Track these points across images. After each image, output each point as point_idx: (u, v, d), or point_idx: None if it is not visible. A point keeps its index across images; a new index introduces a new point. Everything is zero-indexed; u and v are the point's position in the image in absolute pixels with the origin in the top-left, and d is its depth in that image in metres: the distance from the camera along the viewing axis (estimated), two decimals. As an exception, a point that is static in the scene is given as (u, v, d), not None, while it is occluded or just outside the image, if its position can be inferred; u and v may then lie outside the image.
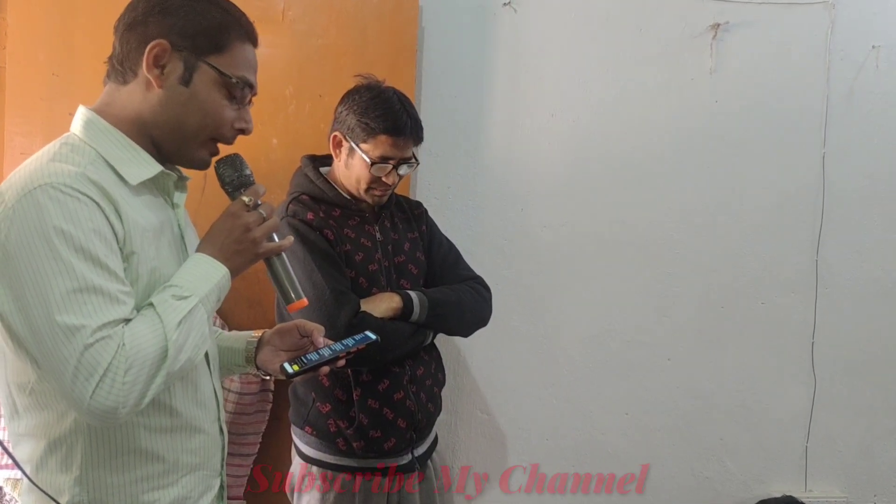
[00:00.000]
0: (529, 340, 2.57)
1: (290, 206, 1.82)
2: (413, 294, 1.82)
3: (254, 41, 1.23)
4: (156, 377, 1.03)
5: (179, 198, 1.28)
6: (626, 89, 2.57)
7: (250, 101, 1.24)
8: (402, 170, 1.83)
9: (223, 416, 1.34)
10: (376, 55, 2.19)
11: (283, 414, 2.15)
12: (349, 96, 1.84)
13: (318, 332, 1.38)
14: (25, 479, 1.14)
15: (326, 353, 1.34)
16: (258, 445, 2.11)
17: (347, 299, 1.71)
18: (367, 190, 1.82)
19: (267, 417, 2.12)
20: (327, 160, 1.94)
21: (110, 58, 1.20)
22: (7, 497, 1.85)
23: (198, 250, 1.19)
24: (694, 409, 2.68)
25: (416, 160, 1.88)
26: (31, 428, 1.12)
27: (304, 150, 2.14)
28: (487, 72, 2.47)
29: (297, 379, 1.30)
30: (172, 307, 1.07)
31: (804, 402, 2.73)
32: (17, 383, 1.11)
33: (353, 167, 1.82)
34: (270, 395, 2.11)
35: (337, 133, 1.83)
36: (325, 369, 1.33)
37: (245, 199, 1.21)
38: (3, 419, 1.17)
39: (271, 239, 1.23)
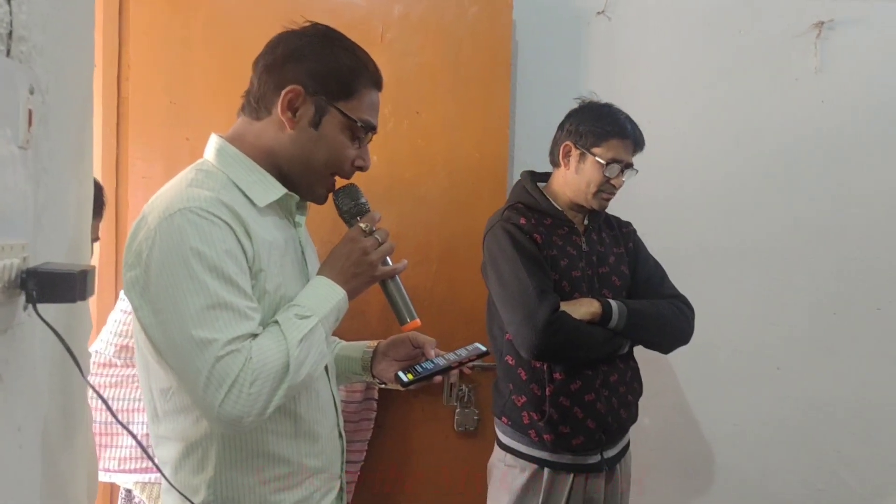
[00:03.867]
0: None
1: (506, 212, 1.96)
2: (613, 302, 1.90)
3: (379, 86, 1.31)
4: (278, 390, 1.11)
5: (300, 218, 1.37)
6: (727, 93, 2.52)
7: (370, 139, 1.32)
8: (627, 174, 1.96)
9: (341, 421, 1.41)
10: (471, 71, 2.23)
11: (386, 422, 2.22)
12: (577, 111, 2.01)
13: (429, 344, 1.45)
14: (165, 479, 1.24)
15: (441, 362, 1.40)
16: (364, 453, 2.18)
17: (548, 297, 1.81)
18: (595, 194, 1.94)
19: (372, 426, 2.18)
20: (543, 177, 2.08)
21: (246, 93, 1.30)
22: (136, 500, 1.98)
23: (319, 273, 1.27)
24: (807, 419, 2.58)
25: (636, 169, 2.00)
26: (171, 431, 1.22)
27: (403, 166, 2.22)
28: (583, 82, 2.47)
29: (411, 387, 1.36)
30: (295, 325, 1.15)
31: (927, 412, 2.59)
32: (160, 389, 1.21)
33: (584, 171, 1.94)
34: (374, 404, 2.18)
35: (567, 142, 1.96)
36: (438, 378, 1.39)
37: (363, 225, 1.29)
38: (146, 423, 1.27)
39: (386, 263, 1.31)
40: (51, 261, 0.98)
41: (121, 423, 0.98)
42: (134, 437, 1.02)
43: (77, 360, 0.89)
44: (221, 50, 2.15)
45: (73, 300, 0.86)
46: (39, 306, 0.86)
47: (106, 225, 2.13)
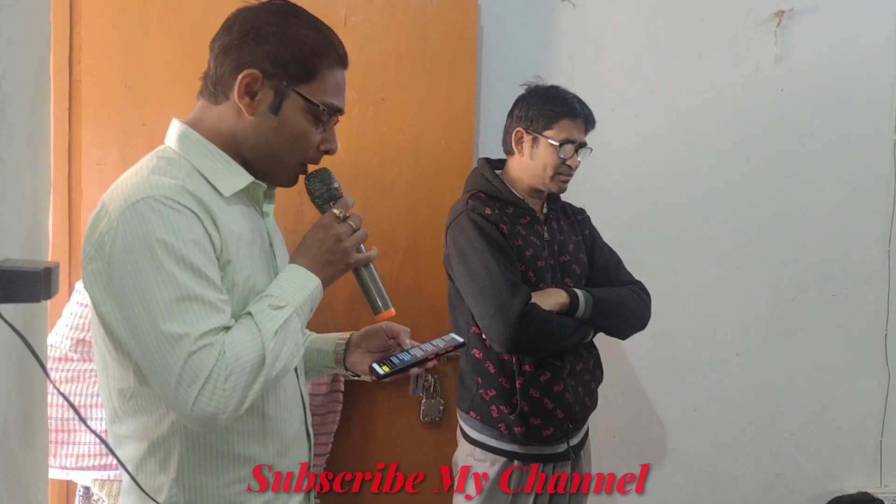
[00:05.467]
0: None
1: (470, 201, 1.92)
2: (579, 292, 1.90)
3: (344, 64, 1.24)
4: (254, 384, 1.07)
5: (268, 207, 1.32)
6: (689, 81, 2.53)
7: (337, 121, 1.26)
8: (581, 154, 1.95)
9: (309, 418, 1.37)
10: (437, 56, 2.20)
11: (352, 413, 2.19)
12: (524, 97, 1.99)
13: (404, 333, 1.40)
14: (125, 479, 1.19)
15: (418, 353, 1.36)
16: (330, 445, 2.14)
17: (520, 289, 1.80)
18: (552, 177, 1.93)
19: (338, 418, 2.15)
20: (499, 164, 2.06)
21: (204, 76, 1.23)
22: (95, 497, 1.92)
23: (291, 261, 1.22)
24: (764, 404, 2.64)
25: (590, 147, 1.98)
26: (132, 431, 1.17)
27: (368, 153, 2.18)
28: (547, 68, 2.45)
29: (387, 379, 1.32)
30: (269, 316, 1.11)
31: (878, 395, 2.67)
32: (119, 389, 1.15)
33: (538, 156, 1.92)
34: (341, 396, 2.14)
35: (518, 129, 1.95)
36: (415, 370, 1.35)
37: (336, 211, 1.24)
38: (105, 422, 1.22)
39: (360, 250, 1.26)
40: (7, 255, 0.93)
41: (85, 424, 0.94)
42: (99, 436, 0.97)
43: (42, 363, 0.84)
44: (180, 31, 2.07)
45: (37, 300, 0.82)
46: (0, 306, 0.81)
47: (59, 213, 2.05)
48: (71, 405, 0.89)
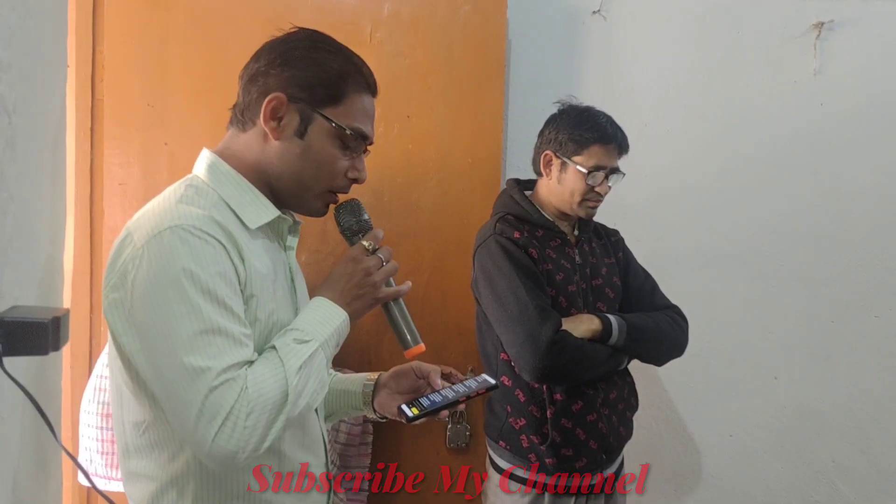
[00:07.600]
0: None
1: (498, 224, 1.88)
2: (612, 318, 1.84)
3: (373, 91, 1.23)
4: (276, 421, 1.03)
5: (292, 241, 1.30)
6: (724, 95, 2.45)
7: (366, 149, 1.24)
8: (612, 180, 1.88)
9: (330, 460, 1.32)
10: (464, 72, 2.14)
11: (376, 439, 2.13)
12: (555, 118, 1.92)
13: (434, 373, 1.36)
14: None
15: (449, 394, 1.31)
16: (367, 478, 2.08)
17: (550, 316, 1.74)
18: (580, 202, 1.87)
19: (370, 450, 2.08)
20: (529, 185, 2.01)
21: (234, 106, 1.22)
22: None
23: (318, 294, 1.19)
24: (803, 429, 2.54)
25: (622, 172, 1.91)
26: (143, 468, 1.13)
27: (394, 172, 2.13)
28: (577, 83, 2.40)
29: (417, 422, 1.27)
30: (294, 351, 1.08)
31: (924, 420, 2.56)
32: (133, 422, 1.12)
33: (566, 181, 1.87)
34: (371, 427, 2.08)
35: (548, 152, 1.90)
36: (445, 413, 1.31)
37: (365, 243, 1.22)
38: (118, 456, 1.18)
39: (389, 284, 1.23)
40: (20, 300, 0.89)
41: (90, 481, 0.89)
42: (106, 497, 0.92)
43: (49, 421, 0.80)
44: (202, 49, 2.04)
45: (44, 352, 0.78)
46: (6, 360, 0.77)
47: (80, 235, 2.02)
48: (78, 465, 0.85)
